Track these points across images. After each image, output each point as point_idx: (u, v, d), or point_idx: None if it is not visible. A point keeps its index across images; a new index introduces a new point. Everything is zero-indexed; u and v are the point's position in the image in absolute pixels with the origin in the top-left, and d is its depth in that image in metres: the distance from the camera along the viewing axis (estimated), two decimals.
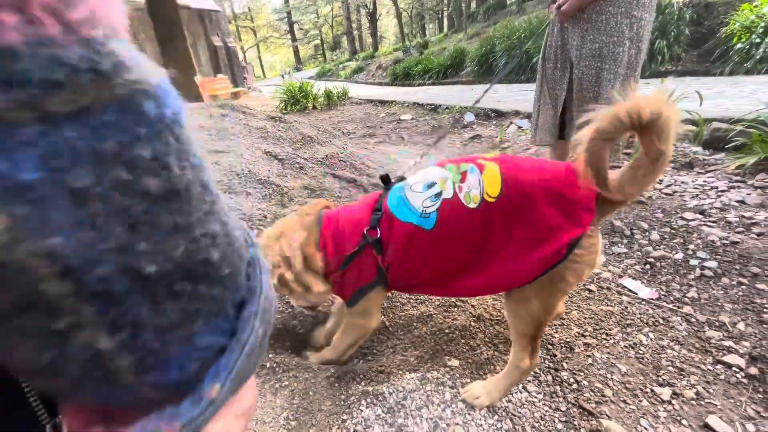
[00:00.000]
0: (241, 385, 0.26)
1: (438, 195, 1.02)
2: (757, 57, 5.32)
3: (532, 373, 1.26)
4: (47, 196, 0.14)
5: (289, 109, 7.24)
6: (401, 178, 1.21)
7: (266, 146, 2.36)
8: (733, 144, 2.42)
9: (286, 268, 1.19)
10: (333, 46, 42.30)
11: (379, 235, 1.09)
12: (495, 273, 1.01)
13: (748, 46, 5.56)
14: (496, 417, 1.14)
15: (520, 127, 4.17)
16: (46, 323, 0.17)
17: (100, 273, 0.17)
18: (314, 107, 7.42)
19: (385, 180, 1.22)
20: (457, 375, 1.28)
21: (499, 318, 1.51)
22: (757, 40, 5.45)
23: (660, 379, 1.19)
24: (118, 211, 0.17)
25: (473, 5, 22.92)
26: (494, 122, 4.67)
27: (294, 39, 39.83)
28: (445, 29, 26.19)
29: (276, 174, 2.13)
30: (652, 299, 1.51)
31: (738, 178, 2.11)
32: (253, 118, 2.69)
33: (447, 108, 5.72)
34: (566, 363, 1.28)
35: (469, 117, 4.89)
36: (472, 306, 1.59)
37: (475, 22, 17.29)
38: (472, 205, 0.97)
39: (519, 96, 6.15)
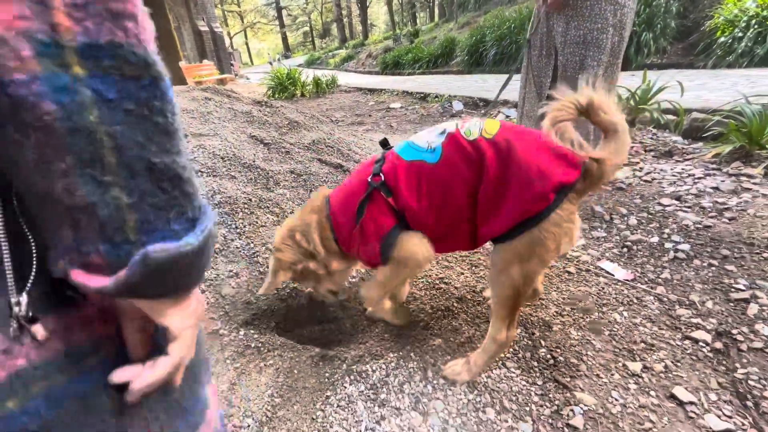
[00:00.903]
0: (192, 279, 0.38)
1: (442, 133, 1.08)
2: (739, 51, 5.43)
3: (511, 350, 1.30)
4: (116, 107, 0.29)
5: (276, 96, 7.13)
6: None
7: (252, 130, 2.33)
8: (710, 133, 2.49)
9: (309, 259, 1.22)
10: (322, 34, 41.54)
11: (383, 179, 1.11)
12: (510, 207, 1.01)
13: (730, 40, 5.66)
14: (475, 392, 1.18)
15: (507, 117, 4.20)
16: (98, 175, 0.29)
17: (133, 153, 0.30)
18: (302, 95, 7.31)
19: (384, 143, 1.24)
20: (439, 353, 1.32)
21: (479, 299, 1.55)
22: (740, 34, 5.55)
23: (632, 354, 1.24)
24: (143, 126, 0.31)
25: None
26: (482, 111, 4.69)
27: (282, 25, 38.93)
28: (436, 18, 25.91)
29: (261, 158, 2.11)
30: (628, 280, 1.56)
31: (714, 166, 2.18)
32: (238, 102, 2.65)
33: (436, 96, 5.71)
34: (544, 341, 1.33)
35: (457, 105, 4.89)
36: (456, 288, 1.62)
37: (466, 12, 17.15)
38: (471, 137, 1.04)
39: (509, 85, 6.17)
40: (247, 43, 47.34)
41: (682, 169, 2.22)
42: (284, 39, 40.09)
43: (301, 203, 1.92)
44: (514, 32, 8.38)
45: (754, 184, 1.93)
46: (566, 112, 0.92)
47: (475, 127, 1.05)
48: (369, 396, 1.19)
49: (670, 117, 2.93)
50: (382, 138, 1.26)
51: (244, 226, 1.71)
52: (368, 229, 1.12)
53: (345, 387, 1.23)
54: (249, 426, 1.14)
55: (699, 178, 2.08)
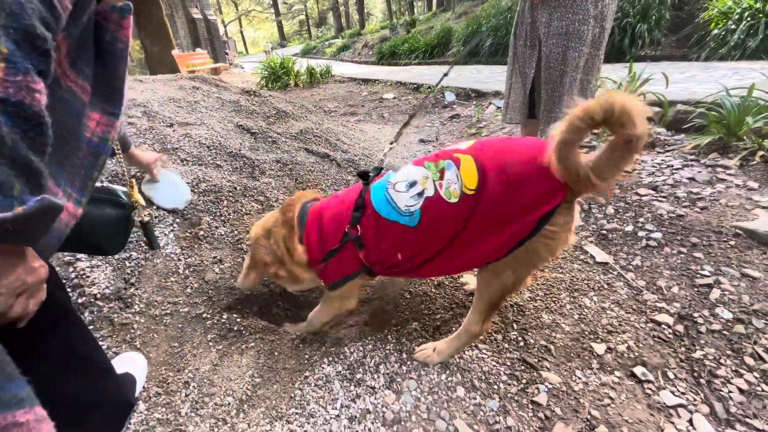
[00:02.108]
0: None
1: (420, 194, 1.07)
2: (732, 43, 5.44)
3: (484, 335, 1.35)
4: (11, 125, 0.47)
5: (270, 86, 7.08)
6: (378, 170, 1.26)
7: (239, 120, 2.34)
8: (692, 125, 2.53)
9: (279, 266, 1.27)
10: (318, 23, 40.96)
11: (359, 233, 1.15)
12: (474, 254, 1.07)
13: (723, 33, 5.67)
14: (447, 372, 1.23)
15: (498, 108, 4.22)
16: None
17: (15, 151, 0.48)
18: (296, 84, 7.27)
19: (364, 176, 1.25)
20: (415, 336, 1.37)
21: (457, 285, 1.60)
22: (733, 26, 5.56)
23: (597, 336, 1.30)
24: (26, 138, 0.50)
25: None
26: (474, 102, 4.70)
27: (278, 13, 38.31)
28: (434, 7, 25.60)
29: (248, 147, 2.13)
30: (607, 263, 1.62)
31: (693, 157, 2.22)
32: (225, 91, 2.65)
33: (429, 87, 5.71)
34: (516, 324, 1.38)
35: (449, 97, 4.90)
36: None
37: (463, 1, 16.96)
38: (453, 200, 1.02)
39: (501, 77, 6.17)
40: (241, 32, 46.63)
41: (662, 160, 2.26)
42: (280, 28, 39.52)
43: (285, 192, 1.95)
44: (510, 23, 8.33)
45: (729, 175, 1.98)
46: (576, 130, 0.80)
47: (454, 185, 1.02)
48: (345, 376, 1.24)
49: (656, 109, 2.96)
50: (360, 170, 1.29)
51: (229, 214, 1.74)
52: (332, 268, 1.23)
53: (323, 367, 1.28)
54: (229, 404, 1.19)
55: (677, 168, 2.12)
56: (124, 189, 1.05)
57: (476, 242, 1.05)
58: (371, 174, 1.26)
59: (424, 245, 1.10)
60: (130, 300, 1.39)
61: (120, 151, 1.05)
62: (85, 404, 0.84)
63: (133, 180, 1.07)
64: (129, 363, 1.21)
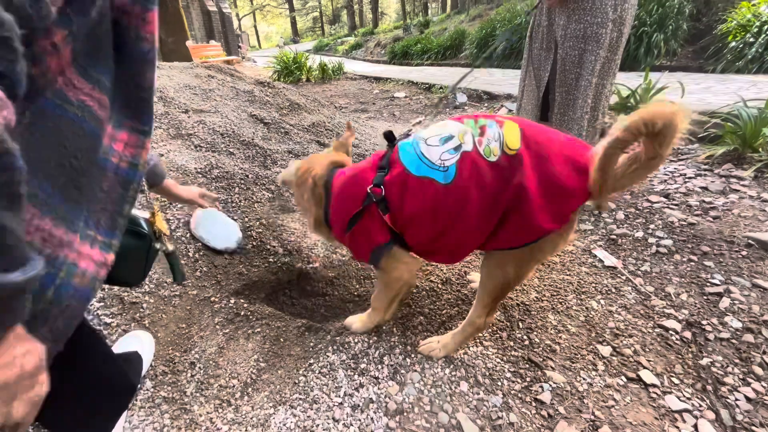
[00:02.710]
0: None
1: (457, 148, 0.96)
2: (749, 56, 5.38)
3: (490, 330, 1.36)
4: None
5: (282, 79, 7.11)
6: (407, 135, 1.14)
7: (252, 110, 2.36)
8: (707, 135, 2.51)
9: (309, 214, 1.21)
10: (332, 20, 41.06)
11: (383, 194, 1.04)
12: (510, 230, 0.97)
13: (741, 45, 5.61)
14: (452, 366, 1.23)
15: (510, 111, 4.20)
16: None
17: None
18: (308, 80, 7.30)
19: (389, 136, 1.15)
20: (419, 329, 1.37)
21: (464, 282, 1.60)
22: (751, 39, 5.50)
23: (603, 339, 1.30)
24: None
25: None
26: (486, 104, 4.69)
27: (292, 9, 38.47)
28: (448, 9, 25.56)
29: (261, 137, 2.15)
30: (615, 267, 1.61)
31: (706, 167, 2.21)
32: (240, 81, 2.67)
33: (441, 88, 5.70)
34: (521, 323, 1.38)
35: (461, 98, 4.89)
36: (442, 270, 1.67)
37: (478, 3, 16.92)
38: (492, 159, 0.93)
39: (514, 80, 6.14)
40: (255, 26, 46.86)
41: (675, 168, 2.24)
42: (293, 23, 39.66)
43: None
44: (524, 27, 8.29)
45: (743, 185, 1.96)
46: (635, 134, 0.78)
47: (495, 143, 0.94)
48: (350, 365, 1.25)
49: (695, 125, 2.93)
50: (386, 129, 1.18)
51: (240, 201, 1.75)
52: (359, 239, 1.12)
53: (328, 356, 1.28)
54: (234, 386, 1.21)
55: (690, 177, 2.11)
56: (146, 216, 0.94)
57: (510, 215, 0.95)
58: (398, 137, 1.14)
59: (458, 211, 0.96)
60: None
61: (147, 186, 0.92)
62: (83, 389, 0.84)
63: (156, 206, 0.97)
64: (136, 341, 1.23)
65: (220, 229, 1.57)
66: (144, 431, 1.07)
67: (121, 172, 0.57)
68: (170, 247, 0.96)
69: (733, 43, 5.70)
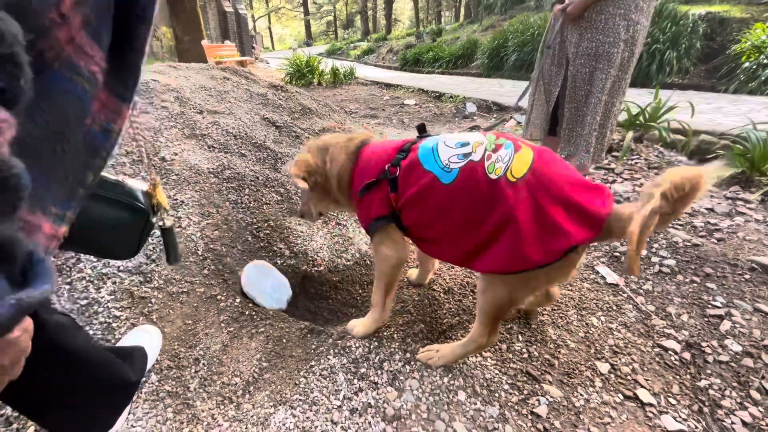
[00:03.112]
0: None
1: (466, 155, 1.04)
2: (762, 78, 5.36)
3: None
4: None
5: (294, 82, 7.20)
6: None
7: (265, 113, 2.41)
8: (715, 156, 2.51)
9: (322, 181, 1.30)
10: (346, 25, 41.47)
11: (397, 174, 1.14)
12: (497, 252, 1.01)
13: (755, 66, 5.59)
14: (450, 375, 1.25)
15: (519, 123, 4.22)
16: None
17: None
18: (319, 83, 7.38)
19: (421, 129, 1.29)
20: (420, 337, 1.39)
21: (466, 293, 1.62)
22: (765, 60, 5.48)
23: (602, 356, 1.31)
24: None
25: None
26: (495, 115, 4.72)
27: (307, 12, 38.93)
28: (461, 18, 25.73)
29: (272, 140, 2.19)
30: (617, 284, 1.62)
31: (714, 188, 2.21)
32: (255, 84, 2.72)
33: (451, 97, 5.74)
34: (521, 336, 1.39)
35: (470, 107, 4.92)
36: (444, 280, 1.69)
37: (491, 14, 17.01)
38: (493, 176, 0.99)
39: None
40: (270, 28, 47.44)
41: None
42: (307, 26, 40.11)
43: None
44: (537, 39, 8.33)
45: (749, 209, 1.96)
46: (664, 208, 0.81)
47: (501, 164, 0.99)
48: (350, 369, 1.27)
49: (679, 137, 2.94)
50: (420, 123, 1.31)
51: (249, 202, 1.79)
52: (366, 204, 1.22)
53: (329, 359, 1.31)
54: (236, 384, 1.23)
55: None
56: (145, 188, 0.88)
57: (504, 239, 0.99)
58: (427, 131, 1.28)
59: (447, 208, 1.06)
60: (150, 275, 1.44)
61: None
62: (74, 389, 0.86)
63: (157, 178, 0.90)
64: (145, 336, 1.26)
65: (271, 288, 1.58)
66: (147, 423, 1.10)
67: (90, 136, 0.48)
68: (168, 222, 0.90)
69: (747, 64, 5.69)
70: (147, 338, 1.24)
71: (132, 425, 1.10)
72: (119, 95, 0.51)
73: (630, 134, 2.73)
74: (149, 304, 1.37)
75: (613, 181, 2.39)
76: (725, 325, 1.36)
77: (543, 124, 2.33)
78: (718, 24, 7.09)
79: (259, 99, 2.54)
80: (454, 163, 1.05)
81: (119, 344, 1.24)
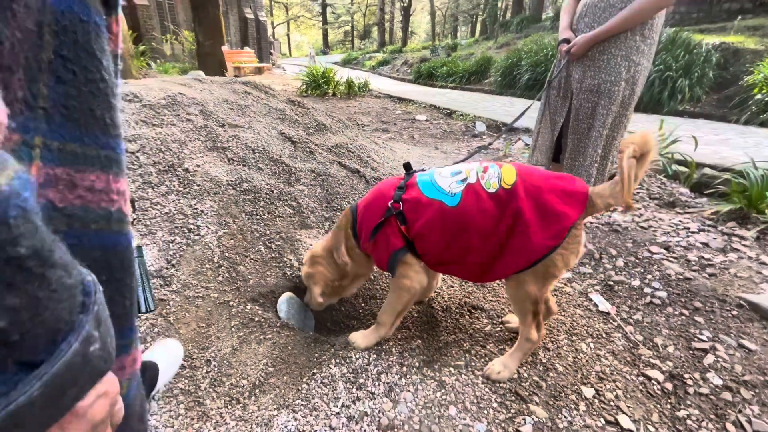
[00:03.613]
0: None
1: (463, 180, 1.23)
2: None
3: (482, 361, 1.45)
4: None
5: (309, 92, 7.40)
6: (422, 170, 1.42)
7: (282, 128, 2.54)
8: (715, 191, 2.57)
9: (340, 277, 1.47)
10: (362, 35, 42.18)
11: (401, 208, 1.27)
12: (513, 253, 1.19)
13: (767, 99, 5.63)
14: (443, 390, 1.33)
15: (527, 144, 4.32)
16: None
17: None
18: (334, 94, 7.57)
19: (407, 167, 1.43)
20: (417, 352, 1.48)
21: (463, 312, 1.70)
22: None
23: (588, 381, 1.38)
24: None
25: (509, 14, 22.77)
26: (504, 136, 4.81)
27: (325, 22, 39.77)
28: (477, 34, 26.07)
29: (287, 155, 2.32)
30: (608, 313, 1.69)
31: (711, 222, 2.27)
32: (273, 99, 2.87)
33: (461, 115, 5.86)
34: None
35: (480, 127, 5.03)
36: (443, 299, 1.77)
37: (507, 32, 17.24)
38: (491, 190, 1.19)
39: (533, 113, 6.27)
40: (288, 35, 48.44)
41: (680, 221, 2.31)
42: (325, 35, 40.89)
43: (316, 201, 2.12)
44: (550, 60, 8.45)
45: (744, 245, 2.02)
46: (643, 147, 1.06)
47: (494, 178, 1.20)
48: (349, 378, 1.36)
49: (682, 169, 3.01)
50: (405, 162, 1.45)
51: (264, 215, 1.91)
52: (381, 244, 1.33)
53: (330, 367, 1.40)
54: (243, 386, 1.33)
55: (693, 232, 2.17)
56: None
57: (515, 239, 1.17)
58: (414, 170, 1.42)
59: (460, 227, 1.20)
60: (169, 279, 1.56)
61: None
62: None
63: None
64: (162, 350, 1.30)
65: (298, 314, 1.70)
66: (162, 417, 1.20)
67: None
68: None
69: (759, 96, 5.73)
70: (164, 353, 1.29)
71: (147, 418, 1.20)
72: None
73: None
74: (167, 306, 1.49)
75: (613, 210, 2.46)
76: (709, 359, 1.43)
77: (548, 151, 2.43)
78: (731, 54, 7.15)
79: (277, 114, 2.68)
80: (456, 187, 1.23)
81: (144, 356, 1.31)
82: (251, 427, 1.20)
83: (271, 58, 21.09)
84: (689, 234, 2.16)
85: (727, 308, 1.62)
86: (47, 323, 0.27)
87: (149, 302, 0.79)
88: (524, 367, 1.43)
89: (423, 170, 1.41)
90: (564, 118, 2.24)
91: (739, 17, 8.58)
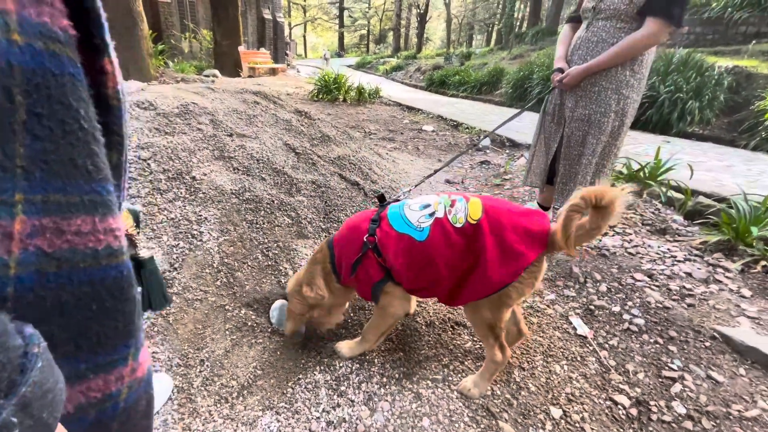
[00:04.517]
0: None
1: (431, 214, 1.30)
2: None
3: (459, 377, 1.53)
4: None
5: (320, 97, 7.54)
6: (396, 200, 1.51)
7: (287, 138, 2.66)
8: (708, 221, 2.61)
9: (313, 308, 1.52)
10: (378, 39, 42.52)
11: (376, 241, 1.34)
12: (473, 283, 1.27)
13: None
14: (419, 402, 1.42)
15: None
16: None
17: None
18: (344, 100, 7.70)
19: (381, 199, 1.52)
20: (398, 364, 1.56)
21: (446, 327, 1.78)
22: None
23: (558, 402, 1.45)
24: None
25: (525, 26, 22.79)
26: (507, 151, 4.88)
27: (341, 25, 40.21)
28: (492, 44, 26.11)
29: (290, 166, 2.43)
30: (585, 336, 1.76)
31: (698, 252, 2.32)
32: (281, 109, 2.99)
33: (467, 128, 5.94)
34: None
35: (484, 141, 5.10)
36: (428, 314, 1.86)
37: (522, 43, 17.27)
38: (458, 225, 1.26)
39: (529, 131, 6.32)
40: (304, 36, 49.02)
41: (668, 249, 2.36)
42: (341, 38, 41.30)
43: (314, 212, 2.22)
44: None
45: (727, 277, 2.07)
46: (585, 203, 1.09)
47: (461, 213, 1.27)
48: (332, 385, 1.45)
49: (679, 195, 3.05)
50: (380, 193, 1.57)
51: (263, 224, 2.02)
52: (362, 277, 1.41)
53: (314, 374, 1.49)
54: (232, 387, 1.43)
55: (678, 261, 2.23)
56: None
57: (477, 272, 1.25)
58: (388, 200, 1.51)
59: (428, 260, 1.28)
60: (171, 282, 1.67)
61: None
62: None
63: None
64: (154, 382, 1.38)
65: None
66: (156, 411, 1.30)
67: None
68: (145, 254, 0.64)
69: None
70: (156, 386, 1.39)
71: (153, 414, 1.30)
72: None
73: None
74: (167, 308, 1.60)
75: (605, 234, 2.52)
76: (676, 388, 1.49)
77: (542, 174, 2.50)
78: (744, 78, 7.11)
79: (284, 124, 2.79)
80: (423, 222, 1.30)
81: None
82: (237, 426, 1.30)
83: (286, 59, 21.39)
84: (675, 263, 2.21)
85: (701, 339, 1.68)
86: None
87: (162, 301, 0.74)
88: (498, 385, 1.51)
89: (398, 200, 1.50)
90: (557, 143, 2.32)
91: (754, 41, 8.52)
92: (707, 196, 3.01)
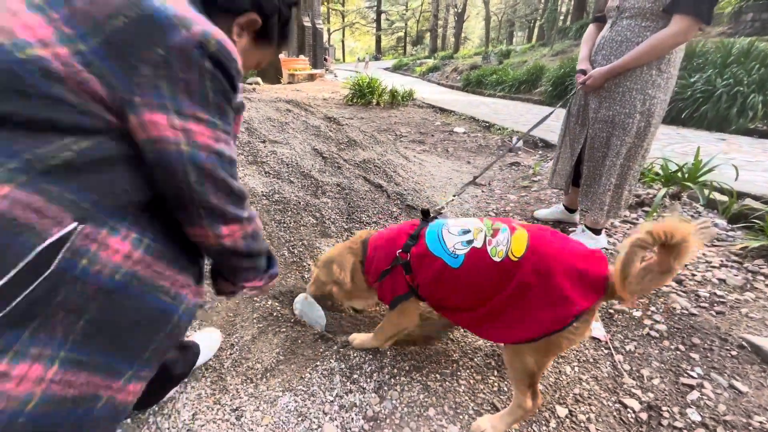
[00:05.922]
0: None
1: (469, 242, 1.20)
2: None
3: (466, 372, 1.59)
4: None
5: (354, 101, 7.76)
6: (439, 213, 1.48)
7: (316, 144, 2.83)
8: (753, 224, 2.45)
9: (337, 287, 1.57)
10: (415, 41, 42.56)
11: (408, 258, 1.32)
12: (507, 323, 1.16)
13: None
14: (426, 393, 1.50)
15: None
16: None
17: None
18: (378, 103, 7.87)
19: (425, 213, 1.45)
20: (409, 357, 1.65)
21: (457, 326, 1.84)
22: None
23: (564, 401, 1.47)
24: None
25: (568, 21, 21.81)
26: (539, 152, 4.78)
27: (379, 28, 40.73)
28: (534, 39, 25.24)
29: (317, 170, 2.59)
30: (601, 339, 1.74)
31: (736, 258, 2.18)
32: (312, 116, 3.17)
33: (499, 129, 5.86)
34: (497, 371, 1.59)
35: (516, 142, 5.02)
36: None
37: (565, 39, 16.55)
38: (497, 259, 1.14)
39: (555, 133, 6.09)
40: (343, 41, 50.15)
41: (703, 254, 2.25)
42: (378, 41, 41.81)
43: (338, 213, 2.36)
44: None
45: (767, 285, 1.94)
46: (654, 239, 0.87)
47: (502, 246, 1.14)
48: (345, 373, 1.57)
49: (723, 198, 2.86)
50: (424, 208, 1.49)
51: (290, 223, 2.19)
52: (387, 286, 1.45)
53: (330, 362, 1.62)
54: (257, 369, 1.59)
55: (713, 266, 2.11)
56: None
57: (512, 312, 1.13)
58: (432, 214, 1.46)
59: (460, 289, 1.22)
60: (207, 272, 1.87)
61: None
62: None
63: None
64: (204, 336, 1.61)
65: (311, 313, 1.89)
66: (188, 387, 1.49)
67: None
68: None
69: None
70: (207, 339, 1.59)
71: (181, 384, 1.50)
72: None
73: (663, 191, 2.74)
74: (204, 296, 1.80)
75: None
76: (693, 395, 1.45)
77: (566, 176, 2.47)
78: None
79: (313, 130, 2.97)
80: (459, 249, 1.21)
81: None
82: (260, 404, 1.45)
83: (325, 65, 22.03)
84: (709, 269, 2.11)
85: (727, 347, 1.61)
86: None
87: None
88: (505, 382, 1.55)
89: (440, 212, 1.47)
90: (582, 144, 2.29)
91: None
92: (756, 198, 2.80)
